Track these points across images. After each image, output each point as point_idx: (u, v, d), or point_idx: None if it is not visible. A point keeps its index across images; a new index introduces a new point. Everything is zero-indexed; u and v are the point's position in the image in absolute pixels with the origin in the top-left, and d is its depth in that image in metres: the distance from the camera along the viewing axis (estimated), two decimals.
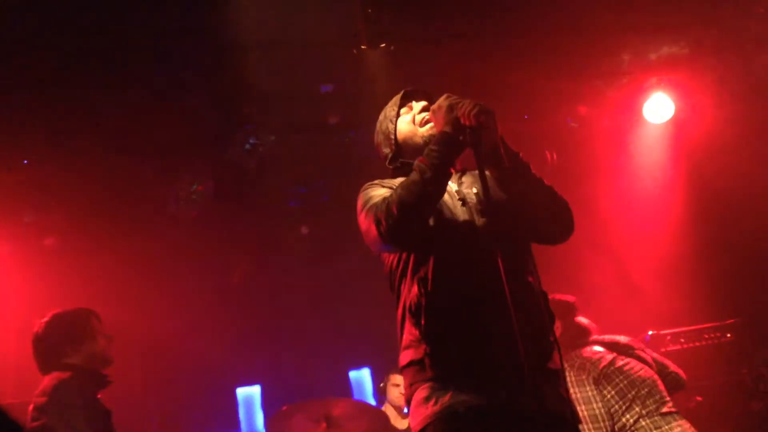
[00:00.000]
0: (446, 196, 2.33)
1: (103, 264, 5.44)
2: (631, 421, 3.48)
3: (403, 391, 2.74)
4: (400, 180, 2.40)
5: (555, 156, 5.94)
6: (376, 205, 2.25)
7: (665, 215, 5.75)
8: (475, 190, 2.38)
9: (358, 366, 6.20)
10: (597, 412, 3.52)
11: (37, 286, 5.15)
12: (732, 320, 3.86)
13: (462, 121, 2.21)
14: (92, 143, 4.99)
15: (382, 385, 5.10)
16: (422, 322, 2.18)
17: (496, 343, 2.13)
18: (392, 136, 2.52)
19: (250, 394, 6.14)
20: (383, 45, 4.63)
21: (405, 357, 2.27)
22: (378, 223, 2.19)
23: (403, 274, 2.33)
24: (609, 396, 3.55)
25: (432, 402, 2.14)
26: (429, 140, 2.38)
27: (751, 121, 5.43)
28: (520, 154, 2.36)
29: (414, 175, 2.21)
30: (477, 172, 2.20)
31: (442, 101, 2.31)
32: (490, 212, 2.27)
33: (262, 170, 5.59)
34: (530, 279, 2.28)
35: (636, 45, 5.16)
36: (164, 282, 5.70)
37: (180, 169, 5.55)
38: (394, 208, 2.16)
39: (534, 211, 2.31)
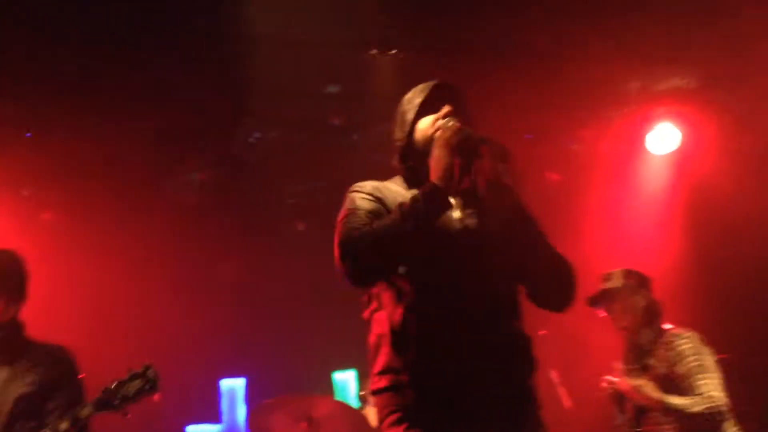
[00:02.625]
0: (445, 222, 2.22)
1: (97, 244, 5.46)
2: None
3: None
4: (396, 187, 2.34)
5: (556, 178, 5.96)
6: (351, 230, 2.14)
7: (661, 247, 5.75)
8: (475, 221, 2.28)
9: (344, 367, 6.21)
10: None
11: (32, 261, 5.15)
12: (724, 356, 3.88)
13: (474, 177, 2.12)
14: (95, 123, 5.01)
15: (362, 393, 5.10)
16: (410, 353, 2.13)
17: (478, 382, 2.11)
18: (408, 124, 2.37)
19: (233, 386, 6.15)
20: (394, 51, 4.65)
21: (381, 381, 2.19)
22: (342, 257, 2.12)
23: (388, 288, 2.23)
24: None
25: (405, 426, 2.11)
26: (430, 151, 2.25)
27: (756, 157, 5.44)
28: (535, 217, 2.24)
29: (394, 220, 2.09)
30: (480, 201, 2.18)
31: (451, 136, 2.13)
32: (487, 248, 2.21)
33: (263, 165, 5.62)
34: (515, 322, 2.25)
35: (645, 75, 5.19)
36: (156, 267, 5.71)
37: (182, 155, 5.57)
38: (362, 250, 2.09)
39: (533, 280, 2.28)
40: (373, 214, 2.20)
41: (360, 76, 4.85)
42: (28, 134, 5.14)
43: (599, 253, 5.44)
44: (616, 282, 3.91)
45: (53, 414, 2.93)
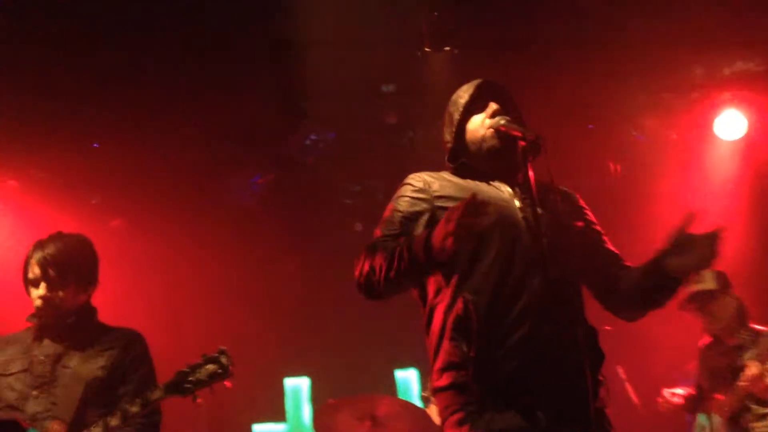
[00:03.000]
0: (508, 212, 2.25)
1: (161, 248, 5.59)
2: None
3: None
4: (450, 176, 2.37)
5: (618, 168, 5.83)
6: (377, 238, 2.30)
7: (727, 237, 5.54)
8: (531, 211, 2.24)
9: (405, 366, 6.21)
10: None
11: (101, 267, 5.32)
12: None
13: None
14: (159, 131, 5.14)
15: (425, 394, 5.09)
16: (471, 348, 2.09)
17: (542, 377, 2.08)
18: (455, 125, 2.41)
19: (297, 385, 6.22)
20: (447, 48, 4.62)
21: (443, 379, 2.17)
22: (354, 265, 2.29)
23: (446, 285, 2.22)
24: None
25: (468, 426, 2.08)
26: (489, 152, 2.33)
27: None
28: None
29: (389, 254, 2.16)
30: (548, 191, 2.19)
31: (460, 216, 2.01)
32: (547, 239, 2.15)
33: (320, 166, 5.66)
34: (579, 314, 2.22)
35: (710, 59, 5.01)
36: (220, 269, 5.82)
37: (242, 159, 5.67)
38: (364, 266, 2.24)
39: (617, 297, 2.35)
40: (407, 218, 2.30)
41: (414, 74, 4.84)
42: (95, 144, 5.31)
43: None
44: (709, 284, 3.76)
45: (124, 398, 2.88)
